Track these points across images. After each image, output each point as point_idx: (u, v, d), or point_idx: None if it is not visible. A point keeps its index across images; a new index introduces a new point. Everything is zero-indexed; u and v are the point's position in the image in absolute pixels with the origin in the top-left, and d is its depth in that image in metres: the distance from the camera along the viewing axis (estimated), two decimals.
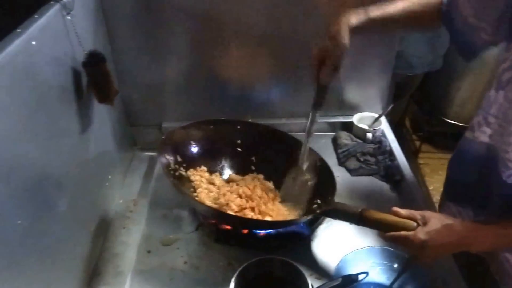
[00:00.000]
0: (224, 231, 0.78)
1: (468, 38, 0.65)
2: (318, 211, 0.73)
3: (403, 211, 0.63)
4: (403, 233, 0.60)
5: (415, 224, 0.60)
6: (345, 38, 0.65)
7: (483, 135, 0.66)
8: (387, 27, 0.71)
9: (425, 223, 0.60)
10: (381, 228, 0.64)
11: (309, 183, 0.81)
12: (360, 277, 0.62)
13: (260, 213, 0.76)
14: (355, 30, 0.66)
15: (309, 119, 0.77)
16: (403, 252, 0.68)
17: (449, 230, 0.59)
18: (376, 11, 0.68)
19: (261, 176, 0.87)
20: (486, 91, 0.66)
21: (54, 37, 0.65)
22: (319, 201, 0.78)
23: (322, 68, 0.70)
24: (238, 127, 0.92)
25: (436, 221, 0.59)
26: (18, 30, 0.56)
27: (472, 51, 0.67)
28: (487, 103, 0.65)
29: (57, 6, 0.64)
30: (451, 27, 0.67)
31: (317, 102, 0.75)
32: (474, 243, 0.59)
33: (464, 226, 0.60)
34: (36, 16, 0.60)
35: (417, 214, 0.62)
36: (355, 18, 0.67)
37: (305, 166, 0.80)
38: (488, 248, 0.63)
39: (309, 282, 0.60)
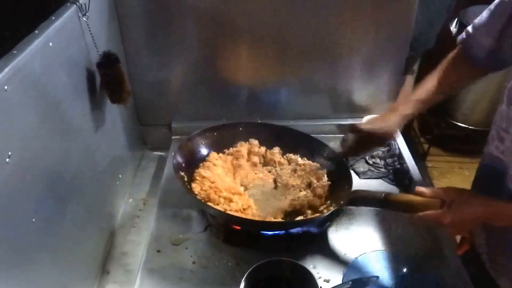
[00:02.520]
0: (233, 232, 0.78)
1: (496, 59, 0.68)
2: (342, 202, 0.74)
3: (427, 191, 0.63)
4: (429, 213, 0.61)
5: (439, 202, 0.61)
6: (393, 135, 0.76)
7: (496, 150, 0.66)
8: (433, 103, 0.75)
9: (451, 202, 0.60)
10: (407, 210, 0.64)
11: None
12: (371, 280, 0.62)
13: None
14: (407, 118, 0.74)
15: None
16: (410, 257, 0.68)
17: (475, 205, 0.59)
18: (422, 94, 0.73)
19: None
20: (498, 105, 0.66)
21: (70, 38, 0.66)
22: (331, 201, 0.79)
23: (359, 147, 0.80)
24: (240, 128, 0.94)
25: (460, 200, 0.60)
26: (36, 31, 0.57)
27: (505, 65, 0.69)
28: (499, 118, 0.66)
29: (74, 8, 0.66)
30: (475, 59, 0.70)
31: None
32: (501, 216, 0.59)
33: (490, 200, 0.60)
34: (53, 17, 0.61)
35: (441, 192, 0.62)
36: (407, 108, 0.73)
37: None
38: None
39: (319, 285, 0.61)
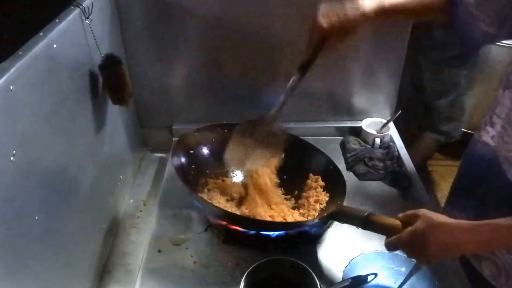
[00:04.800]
0: (233, 232, 0.79)
1: (468, 28, 0.65)
2: (325, 214, 0.74)
3: (401, 214, 0.62)
4: (392, 238, 0.60)
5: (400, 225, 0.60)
6: (356, 29, 0.66)
7: (487, 135, 0.66)
8: (397, 15, 0.71)
9: (412, 223, 0.58)
10: (385, 233, 0.63)
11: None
12: (369, 278, 0.62)
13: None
14: (365, 18, 0.66)
15: (291, 83, 0.75)
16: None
17: (436, 229, 0.55)
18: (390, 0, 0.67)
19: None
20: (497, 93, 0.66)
21: (73, 41, 0.67)
22: (325, 204, 0.80)
23: (324, 43, 0.69)
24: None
25: (422, 220, 0.57)
26: (41, 33, 0.58)
27: (472, 43, 0.67)
28: (494, 103, 0.65)
29: (77, 11, 0.67)
30: (455, 17, 0.67)
31: (306, 66, 0.74)
32: (467, 244, 0.55)
33: (456, 226, 0.56)
34: (57, 20, 0.62)
35: (410, 214, 0.60)
36: (367, 5, 0.66)
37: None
38: (480, 247, 0.59)
39: (318, 284, 0.61)
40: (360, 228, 0.69)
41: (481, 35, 0.64)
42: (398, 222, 0.61)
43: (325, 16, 0.67)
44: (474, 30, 0.65)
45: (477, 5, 0.63)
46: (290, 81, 0.75)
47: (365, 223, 0.66)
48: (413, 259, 0.63)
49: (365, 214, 0.66)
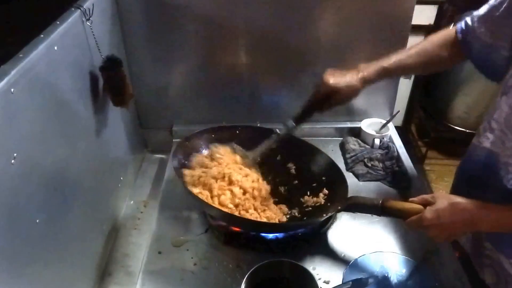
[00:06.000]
0: (233, 234, 0.79)
1: (489, 58, 0.66)
2: (339, 207, 0.74)
3: (416, 198, 0.65)
4: (414, 217, 0.63)
5: (423, 207, 0.63)
6: (356, 93, 0.74)
7: (486, 140, 0.67)
8: (402, 73, 0.76)
9: (433, 203, 0.62)
10: (402, 216, 0.66)
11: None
12: (370, 281, 0.62)
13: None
14: (368, 80, 0.73)
15: (284, 128, 0.81)
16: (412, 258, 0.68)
17: (455, 208, 0.60)
18: (390, 59, 0.73)
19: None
20: (495, 97, 0.66)
21: (74, 42, 0.67)
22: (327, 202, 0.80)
23: (324, 102, 0.76)
24: (237, 131, 0.93)
25: (443, 200, 0.61)
26: (42, 35, 0.58)
27: (497, 70, 0.67)
28: (492, 108, 0.66)
29: (78, 13, 0.67)
30: (471, 53, 0.69)
31: (300, 120, 0.81)
32: (481, 221, 0.60)
33: (471, 204, 0.60)
34: (58, 22, 0.62)
35: (428, 196, 0.64)
36: (370, 68, 0.73)
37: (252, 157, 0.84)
38: (494, 226, 0.62)
39: (319, 286, 0.61)
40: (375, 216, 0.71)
41: (503, 61, 0.64)
42: (417, 205, 0.64)
43: (331, 75, 0.75)
44: (496, 59, 0.65)
45: (491, 35, 0.64)
46: (284, 129, 0.82)
47: (382, 210, 0.68)
48: (414, 261, 0.64)
49: (380, 202, 0.68)
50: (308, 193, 0.86)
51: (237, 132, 0.93)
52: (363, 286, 0.62)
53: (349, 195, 0.80)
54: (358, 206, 0.73)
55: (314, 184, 0.86)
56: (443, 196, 0.63)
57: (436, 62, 0.74)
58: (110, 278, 0.78)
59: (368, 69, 0.74)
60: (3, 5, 0.62)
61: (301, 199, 0.85)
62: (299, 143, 0.93)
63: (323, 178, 0.87)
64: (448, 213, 0.60)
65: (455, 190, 0.79)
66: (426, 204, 0.63)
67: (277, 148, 0.88)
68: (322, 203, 0.82)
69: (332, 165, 0.87)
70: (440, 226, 0.60)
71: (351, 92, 0.75)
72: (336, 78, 0.74)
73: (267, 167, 0.89)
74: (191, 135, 0.89)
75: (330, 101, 0.76)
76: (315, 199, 0.84)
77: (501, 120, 0.63)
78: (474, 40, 0.67)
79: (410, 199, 0.66)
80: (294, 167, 0.91)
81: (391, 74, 0.75)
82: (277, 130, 0.83)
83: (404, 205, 0.66)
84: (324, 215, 0.75)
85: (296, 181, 0.89)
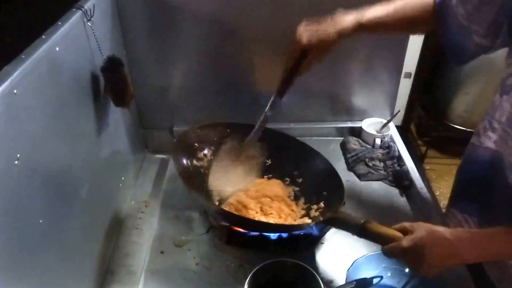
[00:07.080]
0: (235, 233, 0.79)
1: (460, 40, 0.63)
2: (321, 219, 0.73)
3: (398, 225, 0.62)
4: (391, 244, 0.60)
5: (402, 235, 0.60)
6: (333, 48, 0.67)
7: (489, 140, 0.66)
8: (377, 30, 0.70)
9: (412, 232, 0.59)
10: (380, 242, 0.63)
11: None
12: (375, 281, 0.62)
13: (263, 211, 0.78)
14: (342, 34, 0.67)
15: (269, 105, 0.77)
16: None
17: (434, 237, 0.57)
18: (367, 14, 0.67)
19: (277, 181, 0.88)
20: (493, 96, 0.66)
21: (76, 43, 0.67)
22: (322, 205, 0.79)
23: (303, 59, 0.69)
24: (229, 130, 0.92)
25: (421, 229, 0.58)
26: (43, 36, 0.58)
27: (464, 55, 0.64)
28: (492, 108, 0.65)
29: (79, 13, 0.67)
30: (444, 28, 0.65)
31: (283, 90, 0.76)
32: (464, 250, 0.57)
33: (452, 233, 0.57)
34: (59, 23, 0.62)
35: (407, 225, 0.61)
36: (345, 22, 0.67)
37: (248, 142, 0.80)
38: (481, 255, 0.60)
39: (322, 285, 0.61)
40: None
41: (474, 47, 0.62)
42: (397, 232, 0.61)
43: (304, 32, 0.68)
44: (467, 42, 0.62)
45: (468, 17, 0.61)
46: (269, 103, 0.77)
47: (361, 231, 0.64)
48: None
49: (361, 222, 0.64)
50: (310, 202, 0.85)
51: (228, 130, 0.90)
52: (367, 286, 0.62)
53: (351, 194, 0.80)
54: (338, 222, 0.69)
55: (314, 196, 0.85)
56: (422, 226, 0.59)
57: (413, 25, 0.70)
58: (112, 277, 0.78)
59: (345, 22, 0.67)
60: (4, 5, 0.62)
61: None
62: (299, 146, 0.92)
63: (324, 192, 0.83)
64: (426, 242, 0.56)
65: (456, 192, 0.79)
66: (405, 232, 0.60)
67: (279, 153, 0.88)
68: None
69: (332, 172, 0.84)
70: (417, 256, 0.57)
71: (327, 47, 0.68)
72: (309, 34, 0.67)
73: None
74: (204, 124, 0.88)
75: (306, 60, 0.69)
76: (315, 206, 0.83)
77: (503, 119, 0.62)
78: (449, 16, 0.63)
79: (392, 226, 0.63)
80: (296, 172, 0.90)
81: (368, 32, 0.69)
82: (265, 110, 0.79)
83: (387, 230, 0.62)
84: (312, 224, 0.75)
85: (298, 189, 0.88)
